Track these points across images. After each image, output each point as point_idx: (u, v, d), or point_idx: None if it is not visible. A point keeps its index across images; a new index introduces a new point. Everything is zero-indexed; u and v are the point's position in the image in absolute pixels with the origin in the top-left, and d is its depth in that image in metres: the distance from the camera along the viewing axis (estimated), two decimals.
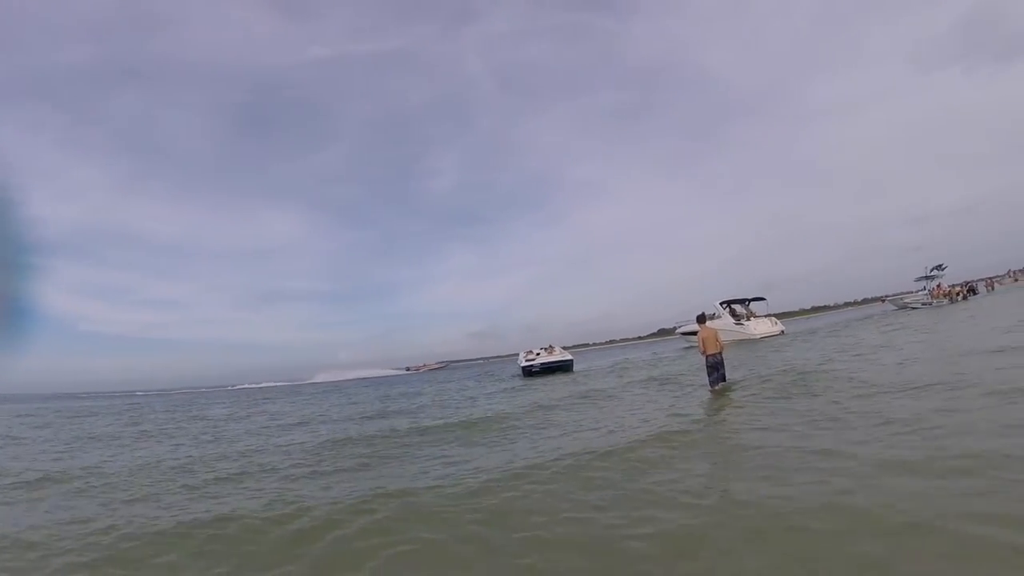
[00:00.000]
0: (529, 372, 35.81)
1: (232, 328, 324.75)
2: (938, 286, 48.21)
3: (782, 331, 41.45)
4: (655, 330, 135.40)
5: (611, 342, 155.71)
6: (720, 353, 14.05)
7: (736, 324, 41.60)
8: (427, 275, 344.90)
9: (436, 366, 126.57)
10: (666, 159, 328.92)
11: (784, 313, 63.48)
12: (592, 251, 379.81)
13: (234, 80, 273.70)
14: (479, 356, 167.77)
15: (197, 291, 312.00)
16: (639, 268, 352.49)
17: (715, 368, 13.95)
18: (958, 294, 46.94)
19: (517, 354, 42.21)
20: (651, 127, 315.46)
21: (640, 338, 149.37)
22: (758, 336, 39.47)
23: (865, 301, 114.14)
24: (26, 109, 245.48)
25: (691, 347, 37.75)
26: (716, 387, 13.87)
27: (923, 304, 46.97)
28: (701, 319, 15.89)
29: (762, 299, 46.49)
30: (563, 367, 35.82)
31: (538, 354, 37.60)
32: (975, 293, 49.20)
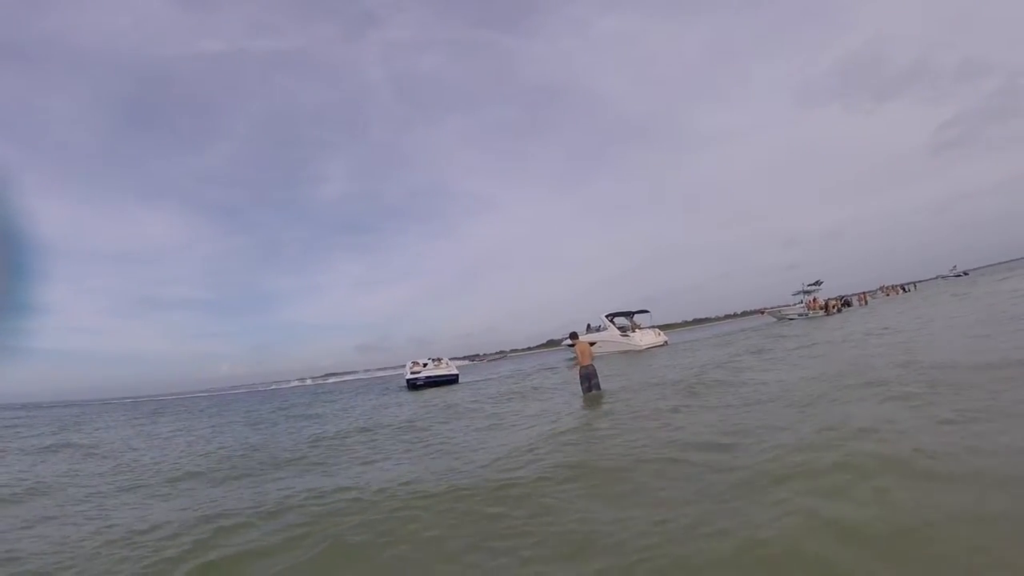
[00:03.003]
0: (414, 385, 35.75)
1: (105, 336, 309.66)
2: (814, 299, 52.19)
3: (666, 342, 43.65)
4: (544, 340, 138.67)
5: (500, 352, 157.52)
6: (592, 365, 15.58)
7: (622, 336, 43.59)
8: (312, 285, 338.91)
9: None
10: (555, 177, 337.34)
11: (667, 325, 66.24)
12: (481, 264, 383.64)
13: (119, 68, 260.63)
14: (365, 368, 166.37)
15: (67, 295, 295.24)
16: (527, 281, 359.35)
17: (587, 379, 15.39)
18: (833, 307, 50.72)
19: (404, 365, 42.14)
20: (542, 145, 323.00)
21: (530, 349, 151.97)
22: (643, 347, 41.33)
23: (745, 313, 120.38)
24: None
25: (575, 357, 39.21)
26: (589, 394, 15.31)
27: (799, 316, 50.80)
28: (574, 336, 17.84)
29: (646, 311, 48.72)
30: (449, 380, 36.16)
31: (425, 365, 37.73)
32: (849, 306, 53.51)
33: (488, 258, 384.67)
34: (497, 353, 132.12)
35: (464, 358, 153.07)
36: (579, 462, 7.59)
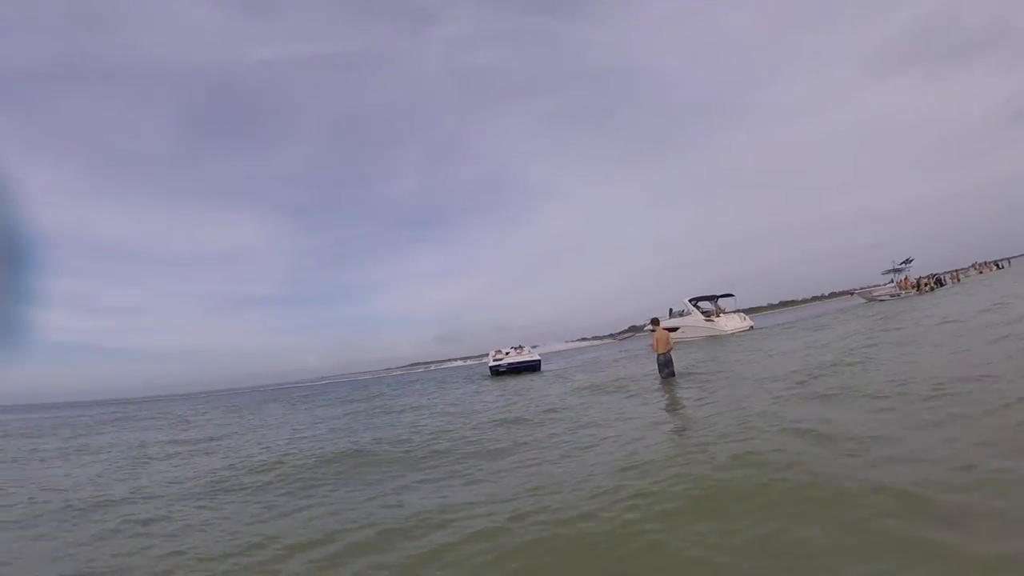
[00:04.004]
0: (496, 372, 36.85)
1: (193, 334, 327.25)
2: (905, 278, 49.86)
3: (751, 327, 42.38)
4: (626, 327, 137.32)
5: (582, 339, 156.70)
6: (669, 353, 15.87)
7: (706, 321, 42.76)
8: (389, 278, 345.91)
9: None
10: (620, 160, 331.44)
11: (752, 308, 64.52)
12: (553, 251, 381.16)
13: (191, 81, 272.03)
14: (447, 358, 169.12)
15: (155, 297, 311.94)
16: (601, 267, 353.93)
17: (665, 365, 15.78)
18: (925, 285, 48.40)
19: (487, 354, 43.02)
20: (605, 130, 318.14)
21: (612, 335, 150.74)
22: (728, 332, 40.28)
23: (832, 295, 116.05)
24: None
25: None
26: (665, 380, 15.80)
27: (891, 296, 48.46)
28: (655, 322, 17.99)
29: (731, 295, 47.42)
30: (531, 367, 36.77)
31: (507, 353, 38.58)
32: (942, 284, 50.67)
33: (560, 245, 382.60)
34: (628, 330, 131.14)
35: (593, 339, 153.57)
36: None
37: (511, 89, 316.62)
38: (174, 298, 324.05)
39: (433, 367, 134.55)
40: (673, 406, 12.23)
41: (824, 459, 6.11)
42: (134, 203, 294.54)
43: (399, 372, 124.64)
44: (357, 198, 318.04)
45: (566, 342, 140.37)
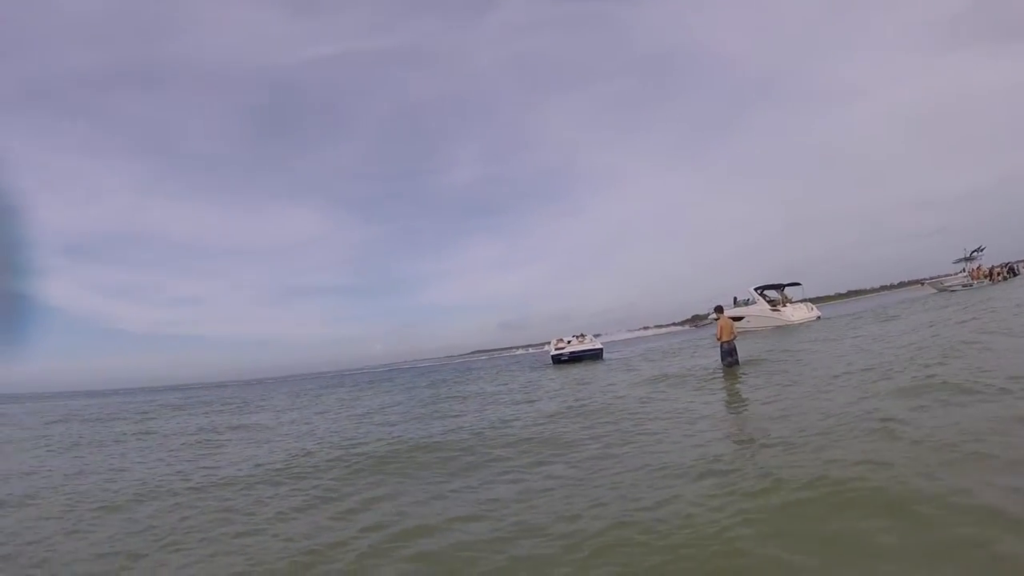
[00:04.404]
0: (558, 360, 37.19)
1: (257, 323, 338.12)
2: (978, 267, 48.01)
3: (818, 317, 41.45)
4: (689, 316, 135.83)
5: (644, 328, 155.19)
6: (733, 341, 15.96)
7: (772, 311, 42.15)
8: (451, 267, 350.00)
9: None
10: (680, 145, 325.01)
11: (818, 298, 63.09)
12: (614, 239, 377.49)
13: (248, 81, 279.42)
14: (508, 345, 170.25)
15: (222, 288, 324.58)
16: (662, 255, 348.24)
17: (729, 353, 15.92)
18: (998, 275, 46.44)
19: (549, 342, 43.07)
20: (664, 114, 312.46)
21: (674, 324, 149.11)
22: (795, 323, 39.58)
23: (902, 284, 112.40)
24: (44, 115, 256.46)
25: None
26: (727, 368, 16.13)
27: (963, 286, 46.62)
28: (719, 310, 18.06)
29: (797, 284, 46.51)
30: (593, 355, 37.05)
31: (568, 342, 38.91)
32: (1016, 274, 48.49)
33: (621, 232, 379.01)
34: (691, 319, 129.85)
35: (655, 327, 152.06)
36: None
37: (568, 76, 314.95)
38: (242, 289, 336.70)
39: (494, 355, 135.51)
40: (741, 399, 12.16)
41: (916, 463, 5.63)
42: (203, 200, 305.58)
43: (461, 359, 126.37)
44: (418, 189, 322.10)
45: (628, 331, 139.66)
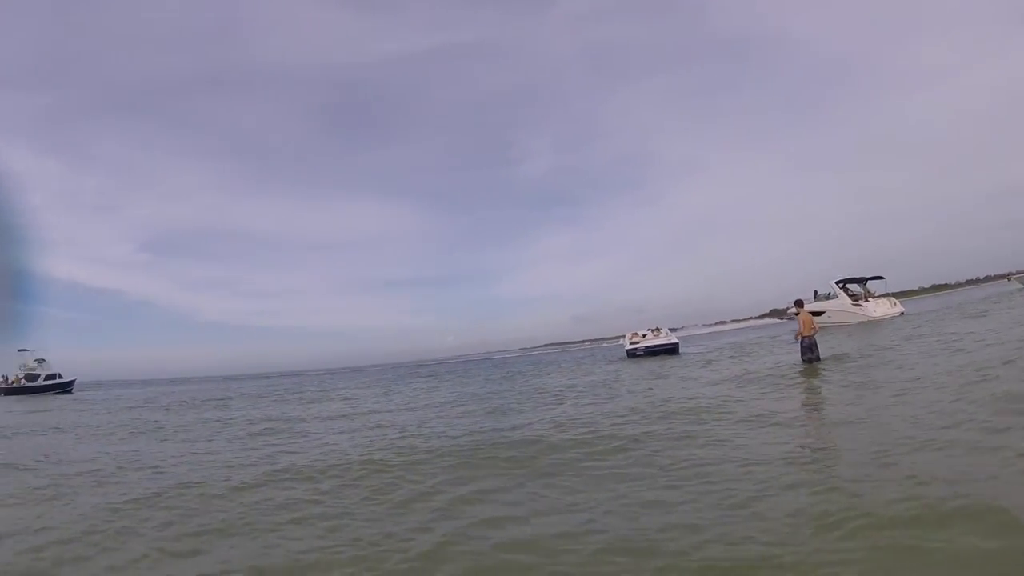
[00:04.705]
0: (633, 355, 37.46)
1: (335, 315, 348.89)
2: None
3: (902, 312, 40.38)
4: (767, 310, 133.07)
5: (721, 323, 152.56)
6: (814, 336, 16.21)
7: (854, 305, 41.47)
8: (524, 259, 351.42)
9: None
10: (758, 132, 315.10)
11: (901, 292, 60.99)
12: (691, 230, 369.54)
13: (323, 81, 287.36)
14: (581, 339, 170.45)
15: (302, 281, 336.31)
16: (740, 246, 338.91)
17: (809, 349, 16.29)
18: None
19: (623, 336, 43.40)
20: (740, 100, 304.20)
21: (752, 318, 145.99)
22: (877, 318, 38.85)
23: (987, 279, 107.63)
24: (132, 120, 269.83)
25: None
26: (807, 364, 16.50)
27: None
28: (799, 304, 18.31)
29: (880, 278, 44.82)
30: (669, 350, 37.02)
31: (644, 336, 39.16)
32: None
33: (697, 223, 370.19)
34: (770, 312, 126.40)
35: (732, 321, 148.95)
36: None
37: (640, 64, 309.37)
38: (321, 282, 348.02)
39: (569, 348, 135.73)
40: (825, 401, 12.11)
41: None
42: (284, 197, 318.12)
43: (535, 352, 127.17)
44: (493, 181, 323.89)
45: (704, 325, 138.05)
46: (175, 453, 13.41)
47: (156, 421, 22.07)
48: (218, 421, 20.81)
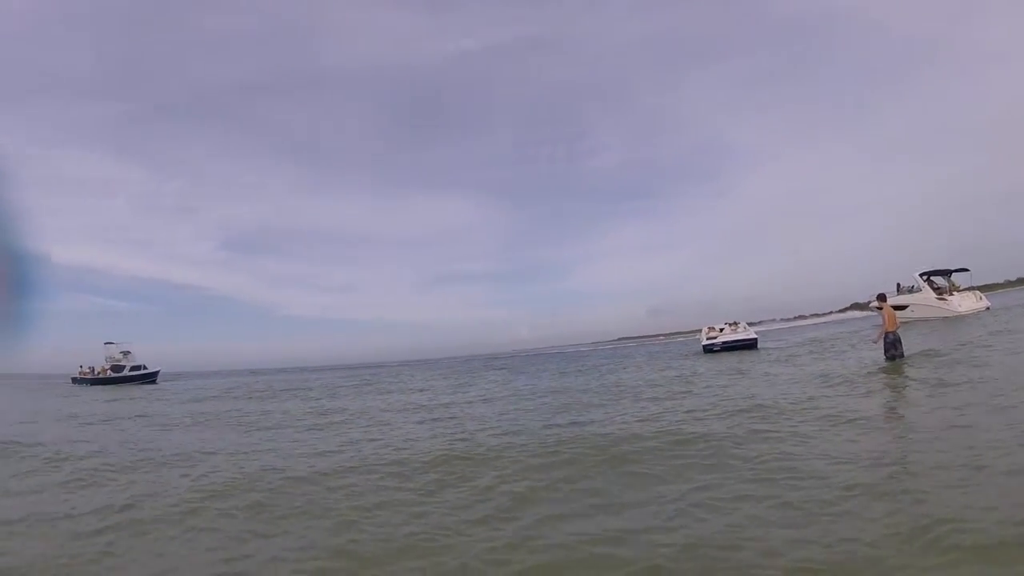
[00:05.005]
0: (710, 350, 36.83)
1: (409, 309, 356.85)
2: None
3: (987, 307, 38.98)
4: (848, 304, 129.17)
5: (800, 317, 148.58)
6: (897, 332, 15.88)
7: (938, 299, 39.89)
8: (596, 252, 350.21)
9: None
10: (834, 118, 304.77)
11: (987, 286, 58.48)
12: (766, 221, 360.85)
13: (393, 80, 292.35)
14: (655, 333, 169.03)
15: (376, 276, 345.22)
16: (818, 238, 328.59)
17: (893, 345, 15.90)
18: None
19: (699, 330, 42.76)
20: (815, 85, 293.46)
21: (833, 312, 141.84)
22: (963, 313, 37.34)
23: None
24: (209, 125, 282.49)
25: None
26: (891, 361, 15.94)
27: None
28: (882, 298, 17.90)
29: (965, 270, 42.95)
30: (747, 345, 36.37)
31: (721, 330, 38.57)
32: None
33: (773, 214, 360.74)
34: (851, 307, 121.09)
35: (812, 316, 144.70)
36: None
37: (708, 51, 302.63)
38: (395, 276, 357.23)
39: (644, 342, 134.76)
40: (912, 404, 11.36)
41: None
42: (357, 195, 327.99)
43: (609, 347, 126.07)
44: (564, 175, 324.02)
45: (783, 319, 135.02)
46: (258, 440, 13.96)
47: (239, 410, 22.96)
48: (300, 411, 21.38)
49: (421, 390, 28.62)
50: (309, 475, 9.15)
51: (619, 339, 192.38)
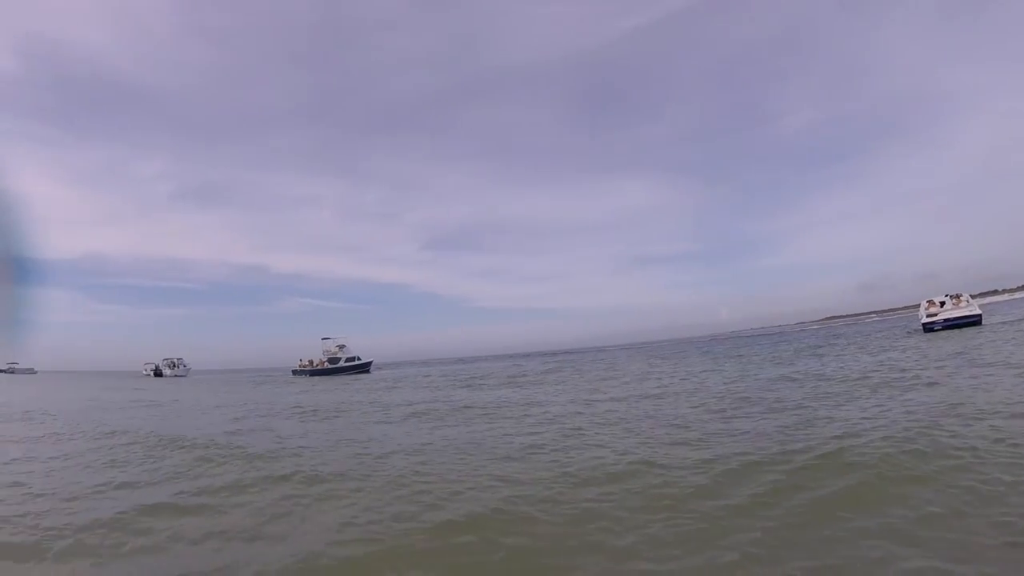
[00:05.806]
0: (930, 329, 33.48)
1: (603, 294, 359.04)
2: None
3: None
4: None
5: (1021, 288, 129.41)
6: None
7: None
8: (794, 225, 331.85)
9: None
10: None
11: None
12: (987, 175, 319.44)
13: (566, 70, 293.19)
14: (865, 311, 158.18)
15: (570, 264, 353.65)
16: None
17: None
18: None
19: (917, 306, 39.10)
20: None
21: None
22: None
23: None
24: (400, 135, 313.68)
25: None
26: None
27: None
28: None
29: None
30: (972, 322, 32.79)
31: (942, 304, 35.11)
32: None
33: (995, 166, 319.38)
34: None
35: None
36: None
37: None
38: (588, 263, 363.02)
39: (855, 320, 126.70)
40: None
41: None
42: (546, 186, 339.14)
43: (816, 327, 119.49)
44: (750, 144, 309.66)
45: (1006, 291, 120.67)
46: (489, 428, 13.91)
47: (460, 399, 22.61)
48: (538, 399, 20.70)
49: (642, 378, 26.46)
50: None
51: (827, 318, 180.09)
